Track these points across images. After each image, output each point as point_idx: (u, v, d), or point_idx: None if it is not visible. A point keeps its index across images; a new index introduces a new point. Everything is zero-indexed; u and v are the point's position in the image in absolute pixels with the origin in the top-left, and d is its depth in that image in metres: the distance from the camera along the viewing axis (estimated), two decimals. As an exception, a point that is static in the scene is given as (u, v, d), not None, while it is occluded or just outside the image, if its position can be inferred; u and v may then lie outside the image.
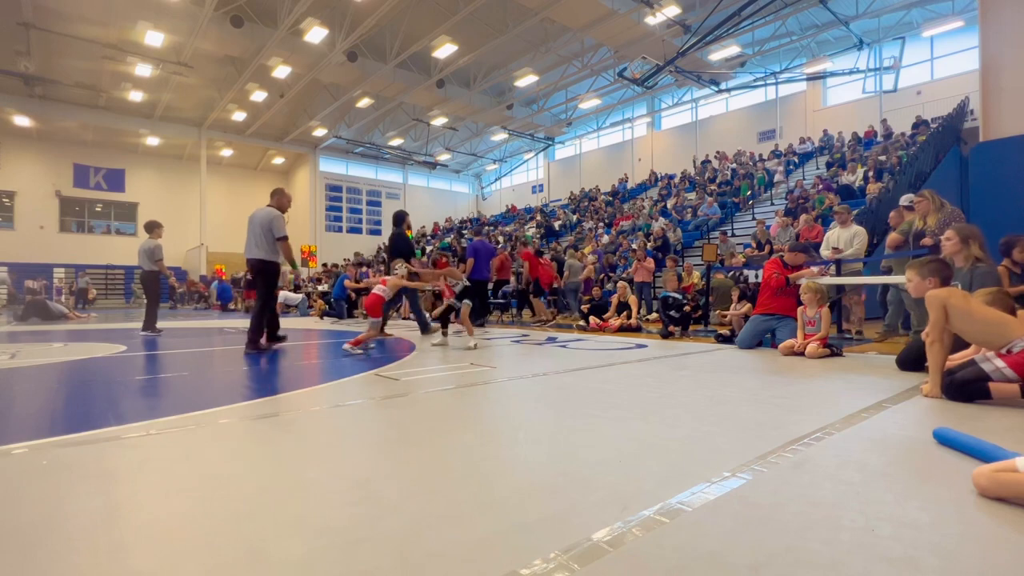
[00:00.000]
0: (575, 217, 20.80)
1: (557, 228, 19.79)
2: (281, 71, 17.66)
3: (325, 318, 12.12)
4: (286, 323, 7.68)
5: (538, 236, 19.09)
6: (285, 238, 5.33)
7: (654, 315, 9.20)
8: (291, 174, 29.97)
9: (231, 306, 17.71)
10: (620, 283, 8.22)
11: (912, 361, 3.52)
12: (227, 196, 27.79)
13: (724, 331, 5.93)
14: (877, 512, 1.27)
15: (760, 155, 18.52)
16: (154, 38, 15.46)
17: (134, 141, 24.56)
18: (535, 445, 1.94)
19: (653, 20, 15.80)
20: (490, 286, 9.78)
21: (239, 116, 22.80)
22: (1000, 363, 2.49)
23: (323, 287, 14.22)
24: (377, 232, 29.94)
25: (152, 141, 24.18)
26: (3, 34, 15.57)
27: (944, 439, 1.82)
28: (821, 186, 12.67)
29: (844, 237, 6.23)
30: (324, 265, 20.24)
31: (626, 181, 23.37)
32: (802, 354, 4.33)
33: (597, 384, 3.16)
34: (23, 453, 1.86)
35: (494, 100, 22.61)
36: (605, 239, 15.20)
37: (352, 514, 1.30)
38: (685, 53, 14.87)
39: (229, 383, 3.45)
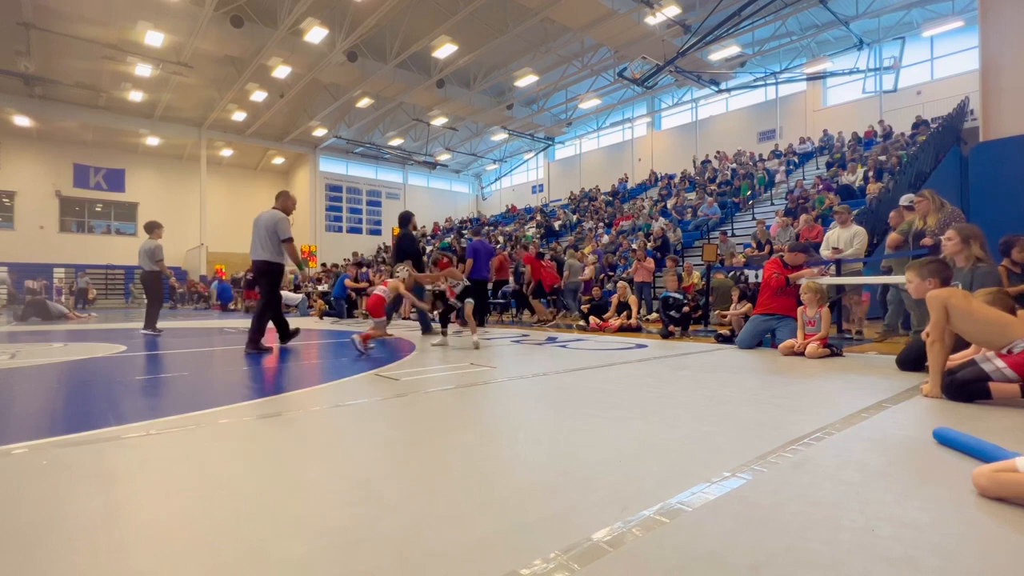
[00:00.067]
0: (575, 217, 20.81)
1: (557, 228, 19.79)
2: (281, 71, 17.66)
3: (325, 318, 12.12)
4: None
5: (538, 236, 19.09)
6: (290, 239, 5.43)
7: (654, 315, 9.20)
8: (291, 174, 29.97)
9: (231, 306, 17.71)
10: (620, 283, 8.22)
11: (912, 361, 3.52)
12: (227, 196, 27.80)
13: (724, 331, 5.93)
14: (877, 512, 1.27)
15: (760, 155, 18.53)
16: (154, 38, 15.46)
17: (134, 141, 24.57)
18: (535, 445, 1.94)
19: (653, 20, 15.80)
20: (489, 286, 9.78)
21: (239, 116, 22.80)
22: (1000, 363, 2.49)
23: (323, 287, 14.22)
24: (377, 232, 29.95)
25: (152, 141, 24.18)
26: (3, 34, 15.57)
27: (944, 439, 1.82)
28: (821, 186, 12.68)
29: (844, 237, 6.23)
30: (323, 265, 20.25)
31: (626, 181, 23.37)
32: (802, 354, 4.33)
33: (597, 384, 3.16)
34: (23, 453, 1.85)
35: (494, 100, 22.61)
36: (605, 239, 15.20)
37: (352, 514, 1.29)
38: (685, 53, 14.87)
39: (229, 383, 3.45)
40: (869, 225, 7.64)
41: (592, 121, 26.43)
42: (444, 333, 5.98)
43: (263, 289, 5.48)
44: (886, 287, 6.24)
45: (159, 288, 7.82)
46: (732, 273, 8.54)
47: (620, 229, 16.03)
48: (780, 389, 2.95)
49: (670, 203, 17.16)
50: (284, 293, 13.88)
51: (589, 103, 23.09)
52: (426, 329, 7.08)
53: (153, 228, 7.80)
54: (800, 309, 4.67)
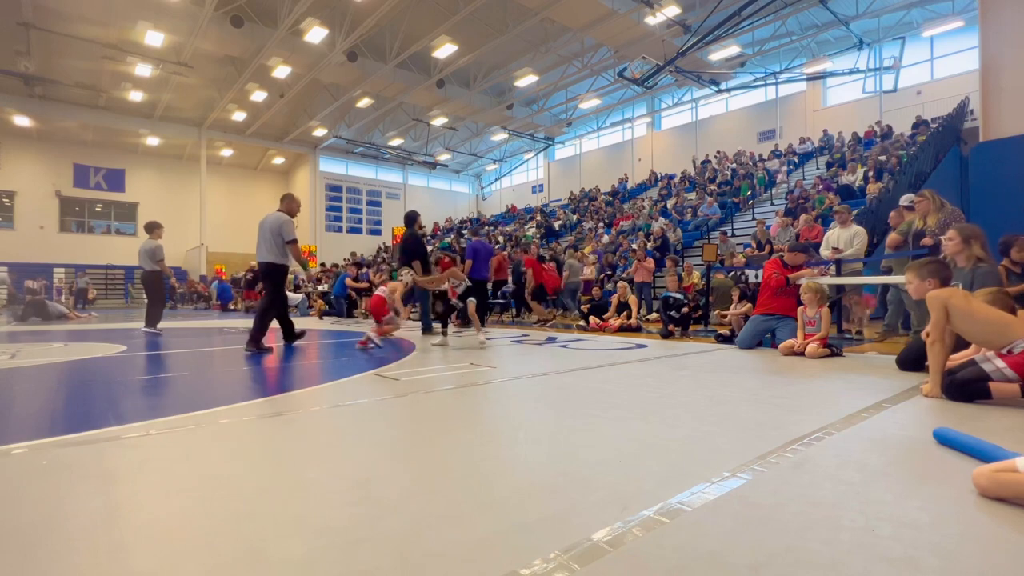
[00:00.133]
0: (575, 217, 20.81)
1: (557, 228, 19.79)
2: (281, 71, 17.67)
3: (324, 318, 12.12)
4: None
5: (538, 236, 19.09)
6: (294, 241, 5.54)
7: (654, 315, 9.20)
8: (291, 174, 29.98)
9: (231, 306, 17.71)
10: (620, 283, 8.22)
11: (912, 361, 3.52)
12: (227, 196, 27.80)
13: (724, 331, 5.93)
14: (877, 512, 1.27)
15: (760, 155, 18.53)
16: (154, 38, 15.46)
17: (134, 141, 24.57)
18: (535, 445, 1.94)
19: (653, 20, 15.80)
20: (488, 286, 9.78)
21: (239, 116, 22.80)
22: (1000, 363, 2.49)
23: (323, 287, 14.23)
24: (377, 232, 29.96)
25: (152, 141, 24.18)
26: (3, 34, 15.57)
27: (944, 439, 1.82)
28: (821, 186, 12.68)
29: (844, 237, 6.23)
30: (322, 265, 20.25)
31: (626, 181, 23.37)
32: (802, 354, 4.33)
33: (597, 384, 3.16)
34: (23, 453, 1.85)
35: (494, 100, 22.61)
36: (605, 239, 15.20)
37: (352, 514, 1.29)
38: (685, 53, 14.87)
39: (229, 383, 3.45)
40: (869, 225, 7.63)
41: (592, 121, 26.43)
42: (444, 333, 5.99)
43: (268, 290, 5.57)
44: (886, 287, 6.24)
45: (161, 288, 7.85)
46: (732, 273, 8.54)
47: (620, 229, 16.04)
48: (780, 389, 2.95)
49: (670, 203, 17.16)
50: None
51: (589, 103, 23.09)
52: (426, 329, 7.08)
53: (153, 228, 7.81)
54: (800, 309, 4.67)
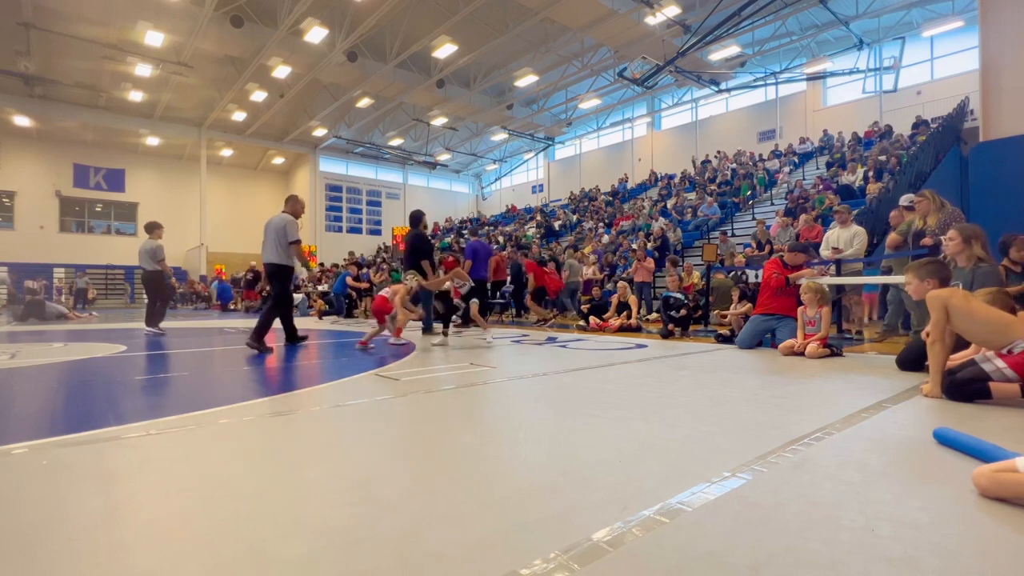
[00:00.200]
0: (575, 217, 20.81)
1: (557, 228, 19.79)
2: (281, 71, 17.66)
3: (324, 318, 12.12)
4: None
5: (538, 236, 19.09)
6: (298, 242, 5.65)
7: (654, 315, 9.20)
8: (291, 174, 29.97)
9: (231, 306, 17.72)
10: (620, 283, 8.22)
11: (912, 361, 3.52)
12: (227, 196, 27.80)
13: (724, 331, 5.93)
14: (877, 512, 1.27)
15: (760, 155, 18.53)
16: (154, 38, 15.46)
17: (134, 141, 24.57)
18: (535, 445, 1.94)
19: (653, 20, 15.80)
20: (487, 286, 9.78)
21: (239, 116, 22.80)
22: (1000, 363, 2.49)
23: (323, 287, 14.23)
24: (377, 232, 29.95)
25: (152, 141, 24.18)
26: (3, 34, 15.56)
27: (944, 439, 1.82)
28: (821, 186, 12.68)
29: (844, 237, 6.23)
30: (321, 265, 20.26)
31: (626, 181, 23.37)
32: (802, 354, 4.33)
33: (597, 384, 3.16)
34: (23, 453, 1.85)
35: (494, 100, 22.61)
36: (605, 239, 15.20)
37: (352, 514, 1.29)
38: (685, 53, 14.87)
39: (229, 383, 3.45)
40: (869, 225, 7.64)
41: (592, 121, 26.42)
42: (445, 333, 5.99)
43: (274, 290, 5.65)
44: (886, 287, 6.24)
45: (163, 287, 7.89)
46: (732, 273, 8.54)
47: (620, 229, 16.04)
48: (780, 389, 2.95)
49: (670, 203, 17.16)
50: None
51: (589, 103, 23.09)
52: (426, 329, 7.08)
53: (153, 228, 7.83)
54: (800, 309, 4.67)
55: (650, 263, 10.41)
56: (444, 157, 28.86)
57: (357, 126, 24.59)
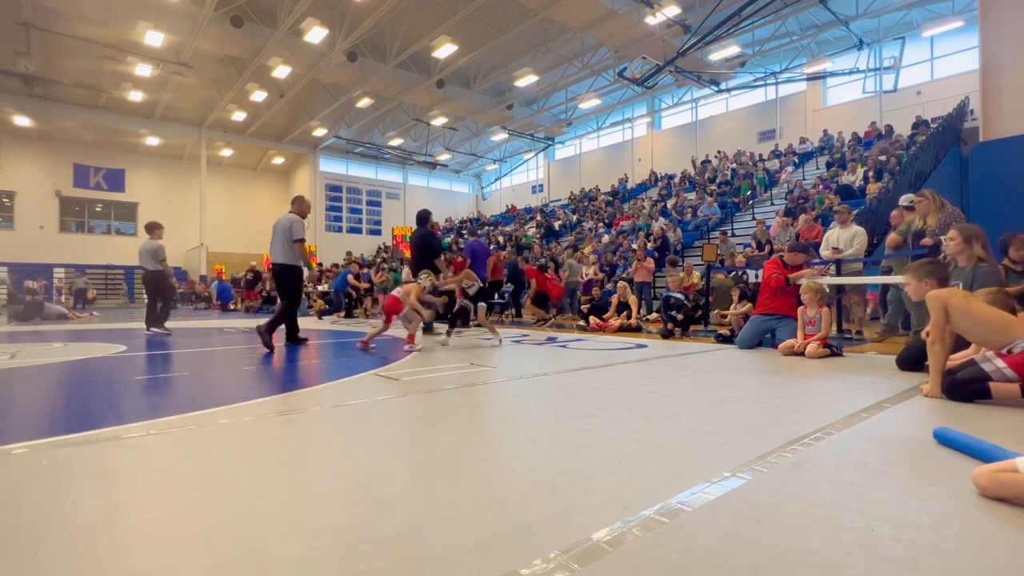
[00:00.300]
0: (575, 217, 20.81)
1: (557, 228, 19.80)
2: (281, 71, 17.66)
3: (324, 318, 12.12)
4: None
5: (538, 236, 19.09)
6: (301, 240, 5.70)
7: (654, 315, 9.20)
8: (291, 174, 29.98)
9: (231, 306, 17.72)
10: (620, 283, 8.22)
11: (912, 361, 3.52)
12: (227, 196, 27.81)
13: (724, 331, 5.93)
14: (877, 512, 1.27)
15: (760, 155, 18.53)
16: (154, 38, 15.46)
17: (134, 141, 24.57)
18: (535, 445, 1.94)
19: (653, 20, 15.80)
20: (486, 285, 9.78)
21: (239, 116, 22.80)
22: (1000, 363, 2.49)
23: (323, 287, 14.24)
24: (377, 232, 29.95)
25: (152, 141, 24.18)
26: (3, 34, 15.56)
27: (944, 439, 1.82)
28: (821, 186, 12.68)
29: (844, 237, 6.23)
30: (320, 265, 20.26)
31: (626, 181, 23.37)
32: (802, 354, 4.33)
33: (597, 384, 3.16)
34: (23, 453, 1.85)
35: (494, 100, 22.61)
36: (605, 239, 15.20)
37: (352, 514, 1.30)
38: (685, 53, 14.87)
39: (229, 383, 3.45)
40: (869, 225, 7.64)
41: (592, 121, 26.42)
42: (449, 334, 5.98)
43: (285, 289, 5.74)
44: (886, 287, 6.24)
45: (164, 287, 7.93)
46: (732, 273, 8.54)
47: (620, 229, 16.04)
48: (780, 389, 2.95)
49: (670, 203, 17.17)
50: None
51: (589, 103, 23.09)
52: (427, 329, 7.07)
53: (154, 228, 7.86)
54: (800, 309, 4.67)
55: (650, 263, 10.41)
56: (444, 157, 28.87)
57: (357, 126, 24.59)
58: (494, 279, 10.03)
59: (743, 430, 2.06)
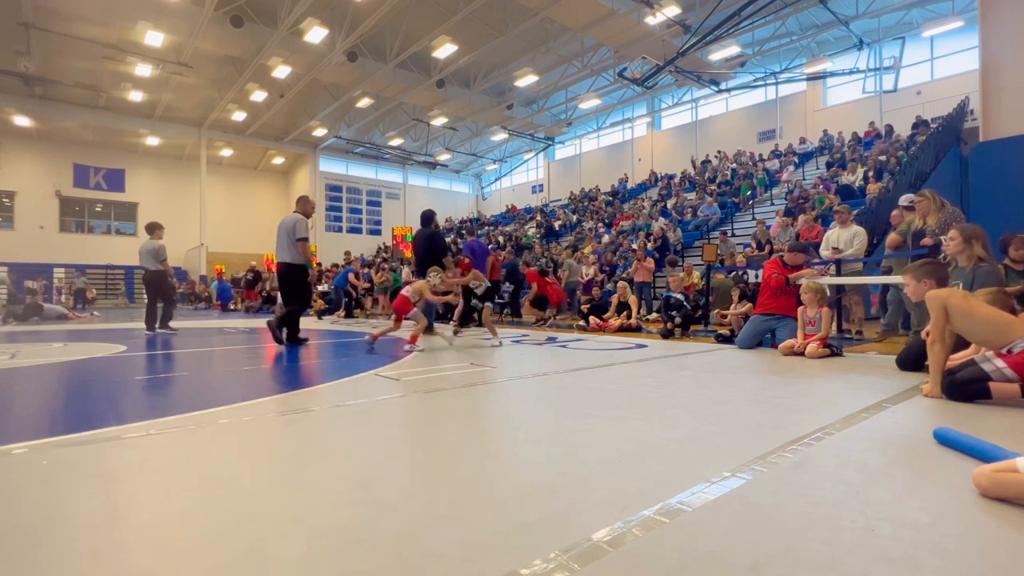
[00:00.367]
0: (575, 217, 20.81)
1: (557, 228, 19.79)
2: (281, 71, 17.67)
3: (324, 318, 12.11)
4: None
5: (538, 236, 19.09)
6: (304, 239, 5.77)
7: (654, 315, 9.20)
8: (291, 174, 29.98)
9: (231, 306, 17.72)
10: (620, 283, 8.22)
11: (912, 361, 3.52)
12: (227, 196, 27.81)
13: (724, 331, 5.93)
14: (877, 512, 1.27)
15: (760, 155, 18.54)
16: (154, 38, 15.46)
17: (134, 141, 24.57)
18: (535, 445, 1.94)
19: (653, 20, 15.80)
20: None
21: (239, 116, 22.80)
22: (1000, 363, 2.49)
23: (323, 287, 14.23)
24: (377, 232, 29.95)
25: (152, 141, 24.18)
26: (3, 34, 15.56)
27: (944, 439, 1.82)
28: (821, 186, 12.67)
29: (844, 237, 6.23)
30: (319, 265, 20.26)
31: (626, 181, 23.37)
32: (802, 354, 4.33)
33: (597, 384, 3.16)
34: (23, 453, 1.86)
35: (494, 100, 22.61)
36: (605, 239, 15.20)
37: (352, 514, 1.30)
38: (685, 53, 14.87)
39: (229, 383, 3.45)
40: (869, 225, 7.64)
41: (592, 121, 26.42)
42: (456, 333, 5.97)
43: (292, 289, 5.80)
44: (886, 287, 6.24)
45: (166, 287, 7.95)
46: (732, 273, 8.54)
47: (620, 229, 16.03)
48: (780, 389, 2.95)
49: (670, 203, 17.16)
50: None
51: (589, 103, 23.09)
52: (428, 328, 7.07)
53: (154, 229, 7.87)
54: (800, 309, 4.67)
55: (650, 263, 10.41)
56: (444, 157, 28.87)
57: (357, 126, 24.59)
58: (492, 279, 10.04)
59: (743, 430, 2.06)
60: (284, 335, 5.77)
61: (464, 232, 22.68)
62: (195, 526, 1.25)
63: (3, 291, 15.74)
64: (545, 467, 1.66)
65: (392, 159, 29.62)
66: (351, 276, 12.26)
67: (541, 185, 30.43)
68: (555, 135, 27.11)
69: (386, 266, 13.39)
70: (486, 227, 23.84)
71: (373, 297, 12.84)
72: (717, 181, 17.61)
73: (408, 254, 18.14)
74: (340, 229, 28.95)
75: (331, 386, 3.24)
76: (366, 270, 13.79)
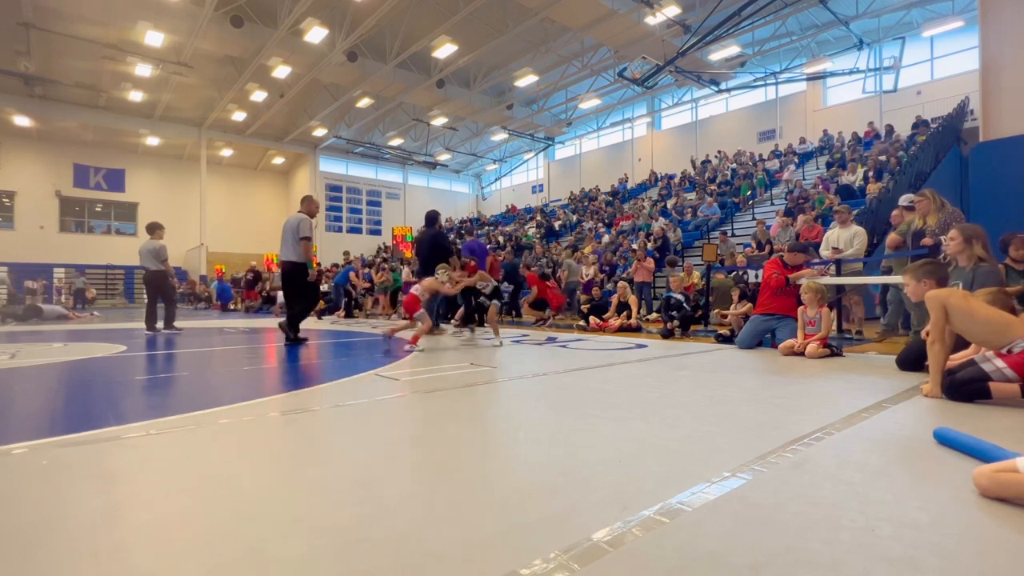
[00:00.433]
0: (575, 217, 20.81)
1: (557, 228, 19.79)
2: (281, 71, 17.66)
3: (323, 317, 12.12)
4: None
5: (538, 236, 19.09)
6: (307, 239, 5.82)
7: (654, 315, 9.20)
8: (291, 174, 29.97)
9: (231, 306, 17.72)
10: (620, 283, 8.22)
11: (912, 361, 3.52)
12: (227, 196, 27.81)
13: (724, 331, 5.93)
14: (877, 512, 1.27)
15: (760, 155, 18.54)
16: (154, 38, 15.46)
17: (134, 141, 24.57)
18: (535, 445, 1.94)
19: (653, 20, 15.80)
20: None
21: (239, 116, 22.80)
22: (1000, 363, 2.49)
23: (323, 287, 14.23)
24: (377, 232, 29.95)
25: (152, 141, 24.18)
26: (3, 34, 15.57)
27: (944, 439, 1.82)
28: (821, 186, 12.67)
29: (844, 237, 6.23)
30: (319, 265, 20.25)
31: (626, 181, 23.37)
32: (802, 354, 4.33)
33: (597, 384, 3.16)
34: (23, 453, 1.86)
35: (494, 100, 22.61)
36: (605, 239, 15.20)
37: (352, 514, 1.29)
38: (685, 53, 14.87)
39: (229, 383, 3.45)
40: (869, 225, 7.64)
41: (592, 121, 26.43)
42: (472, 330, 5.97)
43: (297, 288, 5.83)
44: (886, 287, 6.24)
45: (167, 287, 7.97)
46: (732, 273, 8.54)
47: (620, 229, 16.03)
48: (780, 389, 2.95)
49: (670, 203, 17.16)
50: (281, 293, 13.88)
51: (589, 103, 23.09)
52: (434, 327, 7.07)
53: (155, 229, 7.89)
54: (800, 309, 4.67)
55: (650, 263, 10.40)
56: (444, 157, 28.87)
57: (357, 126, 24.59)
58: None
59: (743, 430, 2.06)
60: (285, 336, 5.78)
61: (464, 232, 22.67)
62: (195, 526, 1.25)
63: (3, 291, 15.76)
64: (545, 467, 1.66)
65: (392, 159, 29.63)
66: (352, 275, 12.26)
67: (541, 185, 30.43)
68: (555, 135, 27.11)
69: (386, 266, 13.39)
70: (486, 227, 23.84)
71: (374, 297, 12.84)
72: (717, 181, 17.61)
73: (408, 254, 18.14)
74: (340, 229, 28.95)
75: (331, 386, 3.24)
76: (366, 270, 13.80)
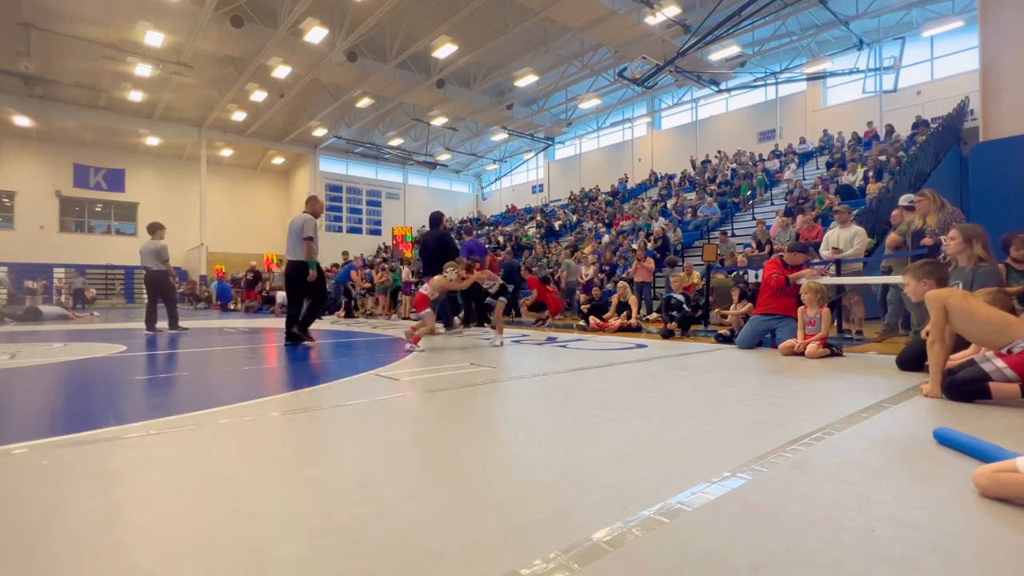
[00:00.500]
0: (575, 217, 20.81)
1: (557, 228, 19.79)
2: (281, 71, 17.67)
3: (323, 317, 12.11)
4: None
5: (538, 236, 19.09)
6: (310, 239, 5.86)
7: (654, 315, 9.20)
8: (291, 174, 29.97)
9: (231, 306, 17.72)
10: (620, 283, 8.22)
11: (912, 361, 3.52)
12: (227, 196, 27.81)
13: (724, 331, 5.93)
14: (877, 512, 1.27)
15: (760, 155, 18.54)
16: (154, 38, 15.46)
17: (134, 141, 24.57)
18: (535, 445, 1.94)
19: (653, 20, 15.80)
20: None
21: (239, 116, 22.80)
22: (1000, 363, 2.49)
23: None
24: (377, 232, 29.95)
25: (152, 141, 24.18)
26: (3, 34, 15.57)
27: (944, 439, 1.82)
28: (821, 186, 12.67)
29: (844, 237, 6.23)
30: (317, 265, 20.26)
31: (626, 181, 23.37)
32: (802, 354, 4.33)
33: (597, 384, 3.16)
34: (23, 453, 1.85)
35: (494, 100, 22.61)
36: (605, 239, 15.20)
37: (352, 514, 1.29)
38: (685, 53, 14.88)
39: (229, 383, 3.45)
40: (869, 225, 7.64)
41: (592, 121, 26.43)
42: (491, 326, 5.98)
43: (304, 287, 5.88)
44: (886, 287, 6.24)
45: (168, 287, 7.99)
46: (732, 273, 8.54)
47: (620, 229, 16.03)
48: (780, 389, 2.95)
49: (670, 203, 17.16)
50: (283, 293, 13.89)
51: (589, 103, 23.10)
52: (448, 325, 7.09)
53: (156, 229, 7.90)
54: (800, 309, 4.67)
55: (650, 263, 10.40)
56: (444, 157, 28.87)
57: (357, 126, 24.59)
58: None
59: (743, 430, 2.06)
60: (285, 336, 5.81)
61: (463, 232, 22.66)
62: (195, 526, 1.25)
63: (3, 292, 15.77)
64: (545, 467, 1.66)
65: (392, 159, 29.63)
66: (353, 273, 12.28)
67: (541, 185, 30.43)
68: (555, 135, 27.11)
69: (386, 266, 13.39)
70: (486, 227, 23.84)
71: (374, 297, 12.85)
72: (717, 181, 17.60)
73: (408, 254, 18.14)
74: (340, 229, 28.95)
75: (331, 386, 3.24)
76: (367, 270, 13.81)
